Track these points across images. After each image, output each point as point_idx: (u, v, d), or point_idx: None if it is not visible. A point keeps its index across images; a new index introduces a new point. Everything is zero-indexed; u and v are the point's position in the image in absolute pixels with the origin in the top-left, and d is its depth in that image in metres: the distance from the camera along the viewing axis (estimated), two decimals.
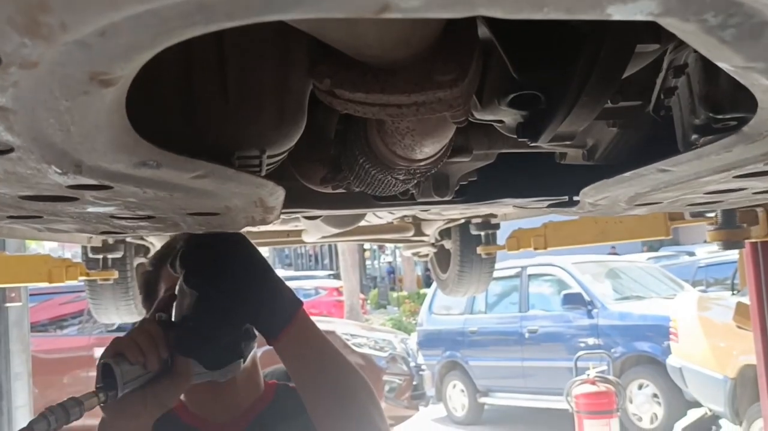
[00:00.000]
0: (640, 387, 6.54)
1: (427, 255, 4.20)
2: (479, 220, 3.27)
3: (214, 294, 0.96)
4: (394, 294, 19.70)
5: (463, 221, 3.31)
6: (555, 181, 1.29)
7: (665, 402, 6.29)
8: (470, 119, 0.93)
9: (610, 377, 4.95)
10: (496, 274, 8.35)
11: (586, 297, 7.00)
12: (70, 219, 0.85)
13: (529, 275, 7.71)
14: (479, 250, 3.51)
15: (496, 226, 3.37)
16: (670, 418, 6.11)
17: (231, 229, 1.02)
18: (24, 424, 0.86)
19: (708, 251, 9.45)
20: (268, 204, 0.82)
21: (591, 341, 6.79)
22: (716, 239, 1.83)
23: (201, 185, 0.65)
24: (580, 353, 5.76)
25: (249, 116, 0.71)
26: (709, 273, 7.71)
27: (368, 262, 28.32)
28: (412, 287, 18.92)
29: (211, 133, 0.70)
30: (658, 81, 0.84)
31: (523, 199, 1.36)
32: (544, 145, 1.13)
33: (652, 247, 16.22)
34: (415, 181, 0.84)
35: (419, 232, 3.68)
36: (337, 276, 18.03)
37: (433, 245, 3.95)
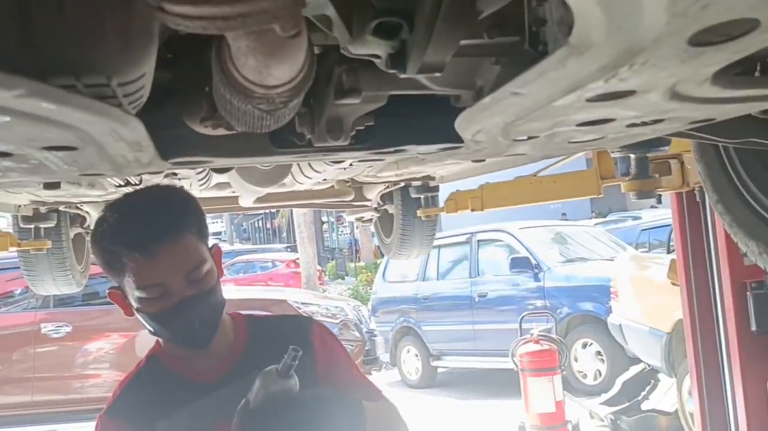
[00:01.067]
0: (585, 345, 6.76)
1: (370, 220, 4.21)
2: (418, 183, 3.28)
3: None
4: (352, 265, 19.77)
5: (403, 184, 3.32)
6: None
7: (608, 360, 6.53)
8: (347, 54, 0.92)
9: (554, 335, 5.10)
10: (446, 241, 8.41)
11: (533, 261, 7.16)
12: None
13: (479, 241, 7.83)
14: (419, 213, 3.52)
15: (436, 188, 3.38)
16: (612, 375, 6.34)
17: (107, 171, 0.99)
18: None
19: (652, 215, 9.76)
20: (128, 138, 0.79)
21: (539, 303, 6.97)
22: (629, 190, 1.90)
23: (31, 107, 0.62)
24: (524, 314, 5.91)
25: (90, 36, 0.68)
26: (651, 236, 7.98)
27: (326, 234, 28.30)
28: (369, 257, 19.01)
29: (49, 54, 0.67)
30: (525, 11, 0.84)
31: (428, 145, 1.36)
32: (434, 86, 1.13)
33: (601, 213, 16.66)
34: (279, 112, 0.83)
35: (360, 196, 3.68)
36: (294, 249, 17.97)
37: (376, 209, 3.95)
